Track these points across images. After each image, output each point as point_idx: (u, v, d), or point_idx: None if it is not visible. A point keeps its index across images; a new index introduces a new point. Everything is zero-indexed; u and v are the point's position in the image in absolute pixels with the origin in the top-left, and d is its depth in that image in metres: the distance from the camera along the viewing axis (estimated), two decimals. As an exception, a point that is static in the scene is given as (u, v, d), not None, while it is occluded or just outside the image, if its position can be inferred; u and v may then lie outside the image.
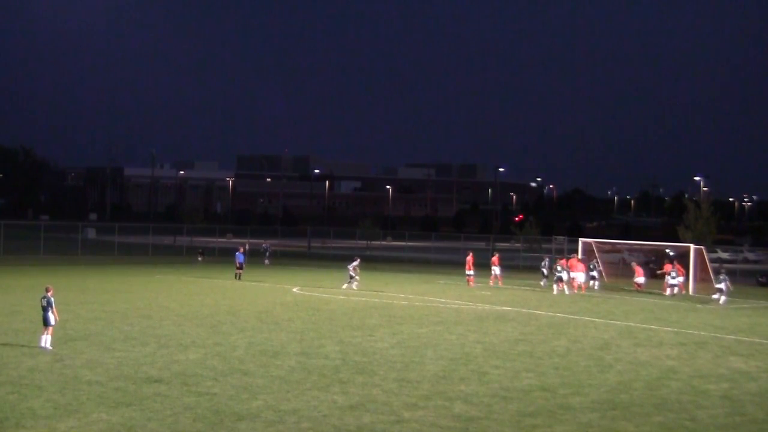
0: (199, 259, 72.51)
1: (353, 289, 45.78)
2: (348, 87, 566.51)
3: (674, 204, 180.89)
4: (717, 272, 49.89)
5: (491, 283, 53.41)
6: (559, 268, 49.17)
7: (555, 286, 48.60)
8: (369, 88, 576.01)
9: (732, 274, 53.95)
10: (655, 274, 57.76)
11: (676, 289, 49.86)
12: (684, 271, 51.89)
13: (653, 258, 65.11)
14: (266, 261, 70.36)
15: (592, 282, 51.98)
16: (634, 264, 57.37)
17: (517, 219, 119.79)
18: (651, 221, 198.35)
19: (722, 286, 46.77)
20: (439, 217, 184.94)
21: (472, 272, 52.66)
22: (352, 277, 46.99)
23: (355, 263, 47.74)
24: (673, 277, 50.14)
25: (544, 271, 53.24)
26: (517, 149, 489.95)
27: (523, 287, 52.33)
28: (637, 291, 51.05)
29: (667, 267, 51.38)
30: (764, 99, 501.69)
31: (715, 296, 46.98)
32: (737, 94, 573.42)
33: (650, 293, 49.76)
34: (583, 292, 49.23)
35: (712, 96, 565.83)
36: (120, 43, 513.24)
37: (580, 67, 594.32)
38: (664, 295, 48.97)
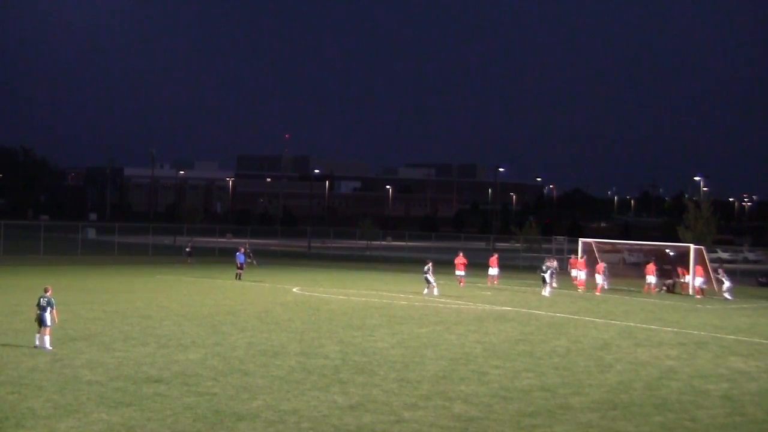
0: (189, 260, 69.53)
1: (434, 295, 43.91)
2: (348, 87, 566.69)
3: (674, 204, 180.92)
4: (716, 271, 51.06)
5: (489, 283, 53.37)
6: (544, 268, 47.88)
7: (548, 288, 47.79)
8: (369, 89, 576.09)
9: (732, 274, 53.97)
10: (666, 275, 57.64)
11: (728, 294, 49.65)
12: (686, 272, 51.95)
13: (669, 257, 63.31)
14: (254, 261, 70.04)
15: (601, 283, 51.63)
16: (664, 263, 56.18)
17: (546, 221, 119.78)
18: (651, 221, 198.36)
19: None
20: (439, 217, 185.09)
21: (462, 273, 52.13)
22: (429, 282, 44.94)
23: (428, 266, 45.36)
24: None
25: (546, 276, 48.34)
26: (517, 149, 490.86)
27: (523, 288, 52.31)
28: (647, 292, 50.41)
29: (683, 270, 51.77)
30: (764, 99, 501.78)
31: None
32: (737, 94, 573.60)
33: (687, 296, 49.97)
34: (597, 293, 48.80)
35: (712, 96, 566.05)
36: (120, 43, 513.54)
37: (580, 67, 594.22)
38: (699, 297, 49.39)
